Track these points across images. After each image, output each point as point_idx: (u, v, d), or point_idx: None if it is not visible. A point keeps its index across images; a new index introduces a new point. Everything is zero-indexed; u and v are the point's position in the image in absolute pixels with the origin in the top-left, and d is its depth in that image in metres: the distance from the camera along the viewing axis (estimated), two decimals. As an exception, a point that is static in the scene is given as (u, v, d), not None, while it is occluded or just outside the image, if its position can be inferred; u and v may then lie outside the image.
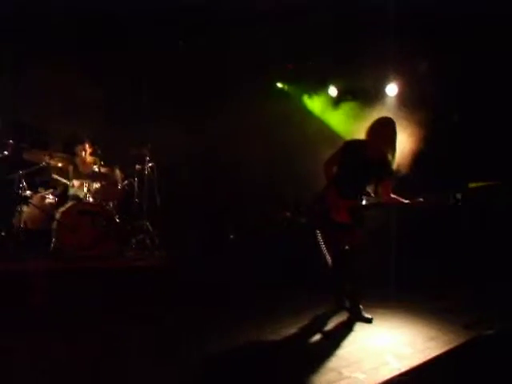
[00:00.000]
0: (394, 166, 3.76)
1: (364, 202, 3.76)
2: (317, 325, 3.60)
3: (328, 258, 3.86)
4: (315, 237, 3.93)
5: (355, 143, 3.80)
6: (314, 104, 7.14)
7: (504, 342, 3.12)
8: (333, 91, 6.97)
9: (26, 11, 5.74)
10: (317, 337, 3.30)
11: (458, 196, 3.46)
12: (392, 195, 3.76)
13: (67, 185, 5.89)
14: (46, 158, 5.66)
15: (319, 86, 7.04)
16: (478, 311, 3.81)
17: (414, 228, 5.22)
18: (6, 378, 2.35)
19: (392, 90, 6.39)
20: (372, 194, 3.76)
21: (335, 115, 6.82)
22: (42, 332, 3.05)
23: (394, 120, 3.77)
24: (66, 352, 2.74)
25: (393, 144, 3.70)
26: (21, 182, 5.47)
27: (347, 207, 3.68)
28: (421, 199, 3.59)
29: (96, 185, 5.85)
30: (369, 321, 3.63)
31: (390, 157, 3.70)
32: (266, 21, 5.99)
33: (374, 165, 3.68)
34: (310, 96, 7.15)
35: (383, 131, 3.69)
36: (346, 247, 3.75)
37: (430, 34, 5.38)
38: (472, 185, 4.44)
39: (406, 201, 3.69)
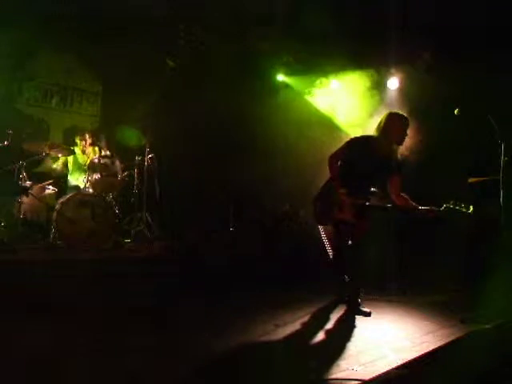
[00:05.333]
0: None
1: (369, 202, 3.68)
2: (316, 317, 3.62)
3: (330, 252, 3.85)
4: (318, 232, 3.91)
5: (361, 140, 3.73)
6: (316, 97, 7.11)
7: (500, 336, 3.14)
8: (335, 85, 6.93)
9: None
10: (315, 329, 3.31)
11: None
12: (402, 194, 3.70)
13: None
14: (46, 149, 5.65)
15: (321, 80, 7.00)
16: (475, 306, 3.82)
17: (414, 223, 5.21)
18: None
19: (393, 83, 6.36)
20: (378, 192, 3.72)
21: (338, 108, 6.78)
22: (40, 323, 3.05)
23: (407, 116, 3.73)
24: (64, 344, 2.74)
25: (403, 140, 3.68)
26: (20, 173, 5.46)
27: (351, 205, 3.61)
28: (432, 207, 3.58)
29: (96, 176, 5.84)
30: (367, 314, 3.64)
31: (397, 152, 3.66)
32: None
33: (381, 162, 3.63)
34: (312, 89, 7.11)
35: (397, 127, 3.64)
36: (349, 242, 3.73)
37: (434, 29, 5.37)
38: (472, 180, 4.43)
39: (415, 204, 3.64)
